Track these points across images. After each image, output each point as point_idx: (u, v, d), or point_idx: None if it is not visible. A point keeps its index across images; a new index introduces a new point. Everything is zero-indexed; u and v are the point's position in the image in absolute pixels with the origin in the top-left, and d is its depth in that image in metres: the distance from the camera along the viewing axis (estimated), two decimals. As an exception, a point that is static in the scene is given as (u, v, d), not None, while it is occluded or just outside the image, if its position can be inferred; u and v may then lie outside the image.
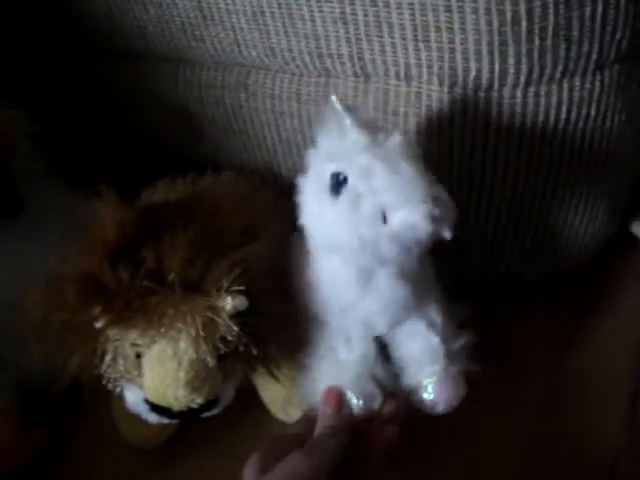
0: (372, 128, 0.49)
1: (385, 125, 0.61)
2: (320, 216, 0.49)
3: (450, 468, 0.59)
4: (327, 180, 0.48)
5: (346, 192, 0.47)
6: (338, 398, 0.54)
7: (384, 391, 0.55)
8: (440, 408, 0.55)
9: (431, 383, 0.55)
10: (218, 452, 0.63)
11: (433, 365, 0.55)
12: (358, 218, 0.46)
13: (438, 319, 0.56)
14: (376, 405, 0.55)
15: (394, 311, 0.54)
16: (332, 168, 0.48)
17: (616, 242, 0.72)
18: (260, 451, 0.50)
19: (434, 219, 0.44)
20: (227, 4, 0.60)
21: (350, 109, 0.49)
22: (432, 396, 0.55)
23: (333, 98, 0.50)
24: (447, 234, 0.46)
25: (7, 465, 0.61)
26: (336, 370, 0.56)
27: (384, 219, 0.45)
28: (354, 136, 0.48)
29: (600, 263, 0.71)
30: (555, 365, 0.65)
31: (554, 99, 0.55)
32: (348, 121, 0.48)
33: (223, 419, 0.60)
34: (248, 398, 0.62)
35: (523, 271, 0.68)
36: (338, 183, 0.47)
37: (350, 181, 0.47)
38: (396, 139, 0.48)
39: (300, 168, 0.67)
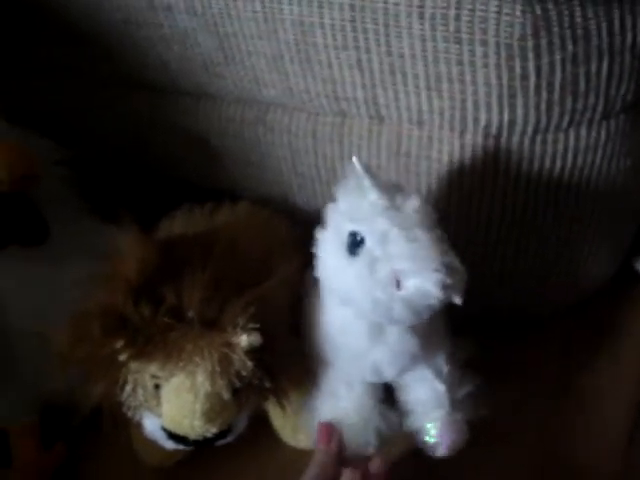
0: (391, 189, 0.51)
1: (399, 179, 0.63)
2: (336, 272, 0.51)
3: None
4: (345, 238, 0.50)
5: (363, 254, 0.48)
6: (329, 433, 0.57)
7: (379, 439, 0.58)
8: (441, 452, 0.58)
9: (434, 427, 0.57)
10: (229, 473, 0.65)
11: (437, 411, 0.57)
12: (373, 281, 0.47)
13: (445, 368, 0.58)
14: (368, 452, 0.57)
15: (403, 361, 0.56)
16: (350, 227, 0.50)
17: (620, 279, 0.73)
18: None
19: (446, 287, 0.46)
20: (247, 46, 0.62)
21: (369, 170, 0.51)
22: (435, 440, 0.57)
23: (354, 159, 0.51)
24: (458, 300, 0.48)
25: (29, 480, 0.64)
26: (334, 416, 0.59)
27: (398, 284, 0.47)
28: (372, 198, 0.49)
29: (603, 300, 0.73)
30: (554, 398, 0.67)
31: (561, 147, 0.57)
32: (367, 182, 0.50)
33: (235, 443, 0.63)
34: (260, 424, 0.64)
35: (527, 305, 0.70)
36: (355, 243, 0.49)
37: (367, 243, 0.48)
38: (414, 203, 0.49)
39: (314, 202, 0.70)
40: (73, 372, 0.58)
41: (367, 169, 0.51)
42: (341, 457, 0.56)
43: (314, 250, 0.53)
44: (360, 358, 0.56)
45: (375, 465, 0.55)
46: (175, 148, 0.75)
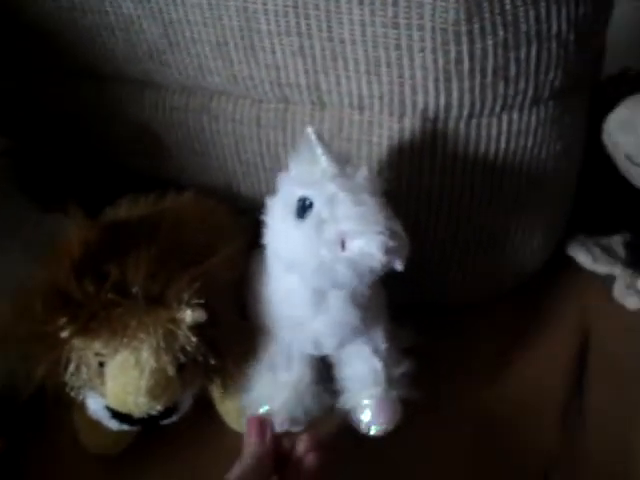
0: (342, 160, 0.53)
1: (350, 155, 0.64)
2: (284, 236, 0.52)
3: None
4: (294, 204, 0.51)
5: (311, 216, 0.50)
6: (259, 426, 0.57)
7: (310, 416, 0.59)
8: (375, 430, 0.59)
9: (369, 405, 0.58)
10: (175, 461, 0.64)
11: (374, 388, 0.59)
12: (319, 241, 0.49)
13: (383, 345, 0.60)
14: (297, 429, 0.59)
15: (343, 333, 0.57)
16: (300, 193, 0.51)
17: (553, 264, 0.76)
18: None
19: (388, 250, 0.48)
20: (192, 33, 0.63)
21: (323, 140, 0.53)
22: (369, 418, 0.59)
23: (309, 129, 0.53)
24: (399, 266, 0.49)
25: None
26: (271, 391, 0.60)
27: (343, 245, 0.48)
28: (324, 165, 0.51)
29: (538, 283, 0.76)
30: (491, 382, 0.69)
31: (494, 131, 0.60)
32: (320, 150, 0.52)
33: (180, 430, 0.62)
34: (205, 410, 0.65)
35: (462, 289, 0.72)
36: (304, 207, 0.50)
37: (315, 207, 0.50)
38: (363, 172, 0.51)
39: (258, 189, 0.71)
40: (12, 362, 0.58)
41: (320, 138, 0.52)
42: (276, 448, 0.56)
43: (263, 218, 0.55)
44: (302, 328, 0.57)
45: (303, 445, 0.56)
46: (120, 137, 0.75)
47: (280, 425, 0.58)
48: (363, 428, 0.59)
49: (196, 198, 0.69)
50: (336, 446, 0.60)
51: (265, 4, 0.58)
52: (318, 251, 0.49)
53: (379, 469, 0.61)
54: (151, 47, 0.66)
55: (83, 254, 0.53)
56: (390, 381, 0.59)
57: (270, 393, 0.60)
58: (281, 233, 0.53)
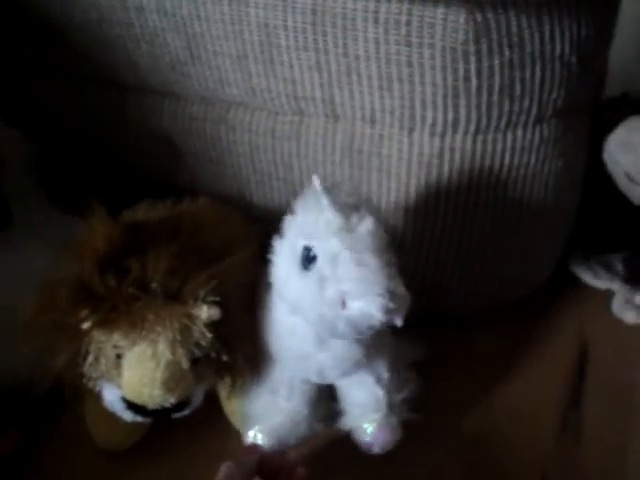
0: (348, 208, 0.52)
1: (352, 174, 0.68)
2: (288, 281, 0.53)
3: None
4: (299, 251, 0.52)
5: (314, 270, 0.50)
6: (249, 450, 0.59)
7: (300, 441, 0.62)
8: (375, 450, 0.62)
9: (371, 428, 0.61)
10: (182, 456, 0.67)
11: (375, 413, 0.61)
12: (321, 298, 0.49)
13: (385, 374, 0.62)
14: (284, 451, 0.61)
15: (346, 366, 0.59)
16: (304, 242, 0.52)
17: (554, 278, 0.79)
18: None
19: (389, 311, 0.48)
20: (214, 46, 0.66)
21: (329, 190, 0.52)
22: (370, 439, 0.61)
23: (315, 178, 0.52)
24: (398, 322, 0.50)
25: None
26: (267, 412, 0.62)
27: (343, 304, 0.49)
28: (328, 217, 0.51)
29: (538, 298, 0.78)
30: (490, 392, 0.71)
31: (499, 146, 0.63)
32: (325, 201, 0.51)
33: (188, 427, 0.65)
34: (211, 409, 0.67)
35: (465, 303, 0.74)
36: (308, 258, 0.51)
37: (319, 261, 0.50)
38: (368, 225, 0.51)
39: (271, 198, 0.74)
40: (31, 356, 0.60)
41: (326, 188, 0.52)
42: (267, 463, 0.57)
43: (269, 256, 0.56)
44: (305, 360, 0.59)
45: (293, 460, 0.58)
46: (139, 145, 0.78)
47: (269, 447, 0.61)
48: (363, 448, 0.62)
49: (211, 204, 0.72)
50: (327, 461, 0.64)
51: (285, 20, 0.61)
52: (320, 308, 0.50)
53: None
54: (173, 59, 0.69)
55: (106, 250, 0.56)
56: (391, 407, 0.62)
57: (266, 414, 0.62)
58: (286, 278, 0.54)
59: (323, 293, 0.49)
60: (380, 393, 0.61)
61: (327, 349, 0.57)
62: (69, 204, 0.67)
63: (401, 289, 0.50)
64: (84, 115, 0.79)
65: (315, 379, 0.61)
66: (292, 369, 0.61)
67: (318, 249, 0.50)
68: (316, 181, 0.52)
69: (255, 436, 0.62)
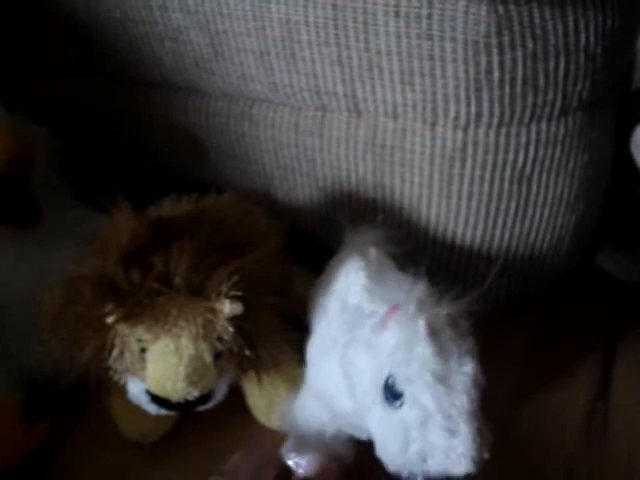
0: (448, 350, 0.48)
1: (375, 168, 0.67)
2: (365, 402, 0.51)
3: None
4: (382, 377, 0.49)
5: (399, 414, 0.48)
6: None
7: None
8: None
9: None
10: (207, 450, 0.67)
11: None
12: (401, 446, 0.47)
13: None
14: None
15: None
16: (390, 370, 0.48)
17: (582, 271, 0.78)
18: None
19: (473, 463, 0.46)
20: (237, 43, 0.66)
21: (437, 334, 0.48)
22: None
23: (422, 324, 0.48)
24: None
25: (10, 456, 0.64)
26: (307, 424, 0.61)
27: (424, 459, 0.47)
28: (428, 365, 0.47)
29: (566, 290, 0.77)
30: (517, 382, 0.71)
31: (523, 139, 0.62)
32: (430, 350, 0.47)
33: (213, 421, 0.66)
34: (237, 404, 0.68)
35: (491, 294, 0.73)
36: (393, 393, 0.48)
37: (405, 408, 0.47)
38: (465, 379, 0.47)
39: (294, 193, 0.74)
40: (59, 350, 0.61)
41: (434, 332, 0.48)
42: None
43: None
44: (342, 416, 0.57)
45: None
46: (163, 141, 0.79)
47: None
48: None
49: (235, 199, 0.72)
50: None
51: (306, 16, 0.61)
52: (399, 452, 0.48)
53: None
54: (197, 56, 0.70)
55: (130, 245, 0.56)
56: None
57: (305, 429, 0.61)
58: (362, 396, 0.51)
59: (406, 449, 0.47)
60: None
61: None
62: (96, 200, 0.68)
63: (485, 441, 0.47)
64: (110, 112, 0.80)
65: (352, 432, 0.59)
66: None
67: (406, 390, 0.48)
68: (423, 327, 0.48)
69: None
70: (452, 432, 0.46)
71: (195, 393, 0.57)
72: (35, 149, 0.69)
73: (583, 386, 0.70)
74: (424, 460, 0.47)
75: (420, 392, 0.47)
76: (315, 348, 0.61)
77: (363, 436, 0.55)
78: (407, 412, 0.47)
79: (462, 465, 0.46)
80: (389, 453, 0.49)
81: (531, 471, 0.64)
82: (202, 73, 0.71)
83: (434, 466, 0.47)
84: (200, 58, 0.70)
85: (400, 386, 0.48)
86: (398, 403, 0.48)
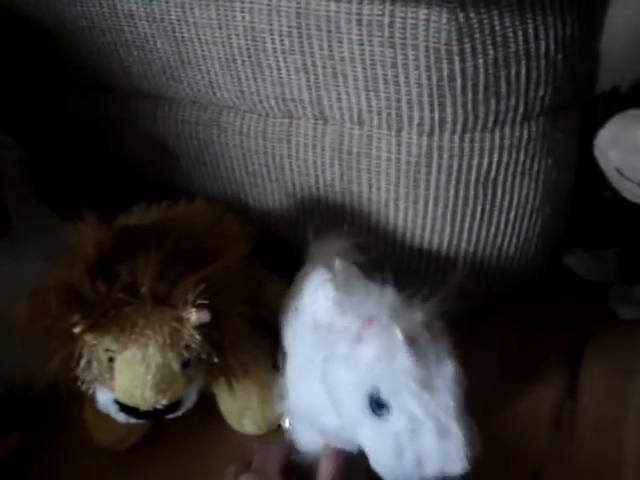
0: (428, 356, 0.49)
1: (342, 175, 0.68)
2: (351, 416, 0.51)
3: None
4: (366, 390, 0.49)
5: (388, 425, 0.48)
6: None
7: None
8: None
9: None
10: (181, 456, 0.68)
11: None
12: (396, 457, 0.48)
13: None
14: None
15: None
16: (373, 383, 0.49)
17: (551, 274, 0.79)
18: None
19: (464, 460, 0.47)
20: (203, 50, 0.67)
21: (414, 341, 0.48)
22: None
23: (397, 331, 0.48)
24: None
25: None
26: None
27: (420, 465, 0.48)
28: (410, 372, 0.47)
29: (533, 292, 0.78)
30: (484, 389, 0.71)
31: (487, 144, 0.63)
32: (409, 360, 0.47)
33: (186, 427, 0.66)
34: (209, 410, 0.68)
35: (459, 296, 0.74)
36: (379, 404, 0.48)
37: (393, 417, 0.48)
38: (448, 379, 0.48)
39: (264, 199, 0.75)
40: (29, 361, 0.61)
41: (409, 339, 0.48)
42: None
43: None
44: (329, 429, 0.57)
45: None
46: (133, 149, 0.79)
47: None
48: None
49: (205, 206, 0.73)
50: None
51: (271, 24, 0.61)
52: (394, 463, 0.48)
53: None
54: (164, 64, 0.70)
55: (96, 256, 0.56)
56: None
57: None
58: (348, 409, 0.51)
59: (400, 457, 0.48)
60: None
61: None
62: (66, 210, 0.68)
63: (475, 436, 0.48)
64: (79, 121, 0.80)
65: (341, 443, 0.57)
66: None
67: (392, 401, 0.48)
68: (399, 334, 0.48)
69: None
70: (443, 434, 0.47)
71: (164, 401, 0.57)
72: (3, 159, 0.69)
73: (551, 387, 0.71)
74: (420, 465, 0.48)
75: (406, 401, 0.47)
76: (293, 371, 0.61)
77: (354, 449, 0.55)
78: (396, 422, 0.48)
79: (457, 464, 0.47)
80: (384, 464, 0.49)
81: (498, 471, 0.65)
82: (170, 81, 0.72)
83: (430, 469, 0.47)
84: (167, 66, 0.70)
85: (385, 397, 0.48)
86: (385, 414, 0.48)
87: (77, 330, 0.54)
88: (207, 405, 0.67)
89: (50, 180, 0.76)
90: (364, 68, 0.60)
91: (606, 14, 0.66)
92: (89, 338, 0.55)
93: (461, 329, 0.73)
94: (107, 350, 0.56)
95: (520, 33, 0.57)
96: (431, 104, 0.60)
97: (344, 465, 0.55)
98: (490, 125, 0.62)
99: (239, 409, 0.67)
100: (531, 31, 0.57)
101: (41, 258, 0.65)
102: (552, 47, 0.58)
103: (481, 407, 0.67)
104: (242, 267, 0.63)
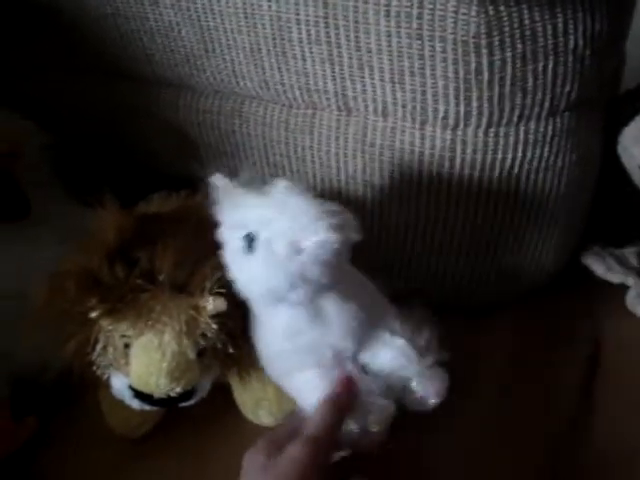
0: (256, 182, 0.55)
1: (365, 167, 0.68)
2: (248, 275, 0.54)
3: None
4: (240, 244, 0.53)
5: (258, 245, 0.52)
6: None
7: None
8: (431, 402, 0.60)
9: (415, 381, 0.59)
10: (193, 447, 0.67)
11: (409, 365, 0.59)
12: (278, 261, 0.51)
13: (396, 324, 0.60)
14: None
15: (353, 332, 0.57)
16: (240, 233, 0.53)
17: (568, 272, 0.78)
18: (264, 440, 0.53)
19: (337, 228, 0.49)
20: (228, 39, 0.66)
21: (230, 181, 0.55)
22: (421, 393, 0.59)
23: (213, 179, 0.56)
24: (355, 236, 0.51)
25: (-1, 450, 0.65)
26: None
27: (299, 251, 0.50)
28: (245, 199, 0.53)
29: (552, 290, 0.77)
30: (503, 381, 0.71)
31: (512, 139, 0.62)
32: (235, 190, 0.54)
33: (200, 417, 0.66)
34: (225, 399, 0.68)
35: (478, 293, 0.74)
36: (250, 241, 0.52)
37: (258, 235, 0.52)
38: (280, 184, 0.53)
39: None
40: (44, 345, 0.61)
41: (226, 181, 0.55)
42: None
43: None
44: (316, 348, 0.57)
45: None
46: (154, 137, 0.79)
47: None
48: (420, 405, 0.60)
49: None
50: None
51: (297, 14, 0.61)
52: (283, 269, 0.51)
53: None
54: (188, 52, 0.70)
55: (116, 241, 0.56)
56: (420, 351, 0.59)
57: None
58: (245, 276, 0.54)
59: (277, 255, 0.50)
60: (400, 342, 0.59)
61: (326, 323, 0.56)
62: (86, 196, 0.68)
63: (337, 206, 0.51)
64: (101, 108, 0.80)
65: (334, 360, 0.58)
66: (308, 363, 0.59)
67: (252, 227, 0.52)
68: (215, 180, 0.56)
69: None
70: (285, 209, 0.51)
71: (178, 389, 0.57)
72: (22, 144, 0.69)
73: (567, 387, 0.70)
74: (298, 251, 0.50)
75: (254, 216, 0.52)
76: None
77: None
78: (260, 236, 0.51)
79: (324, 225, 0.49)
80: (279, 278, 0.51)
81: (510, 472, 0.64)
82: (193, 69, 0.71)
83: (309, 247, 0.50)
84: (191, 54, 0.70)
85: (251, 232, 0.52)
86: (256, 243, 0.52)
87: (94, 314, 0.54)
88: (222, 395, 0.67)
89: (70, 166, 0.76)
90: (390, 60, 0.59)
91: (633, 13, 0.65)
92: (106, 323, 0.55)
93: (474, 328, 0.74)
94: (123, 336, 0.56)
95: (549, 28, 0.56)
96: (457, 97, 0.59)
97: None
98: (515, 119, 0.61)
99: (255, 400, 0.67)
100: (560, 26, 0.56)
101: (59, 243, 0.65)
102: (580, 43, 0.57)
103: (486, 409, 0.68)
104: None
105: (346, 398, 0.55)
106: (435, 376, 0.60)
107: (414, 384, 0.60)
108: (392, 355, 0.59)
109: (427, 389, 0.60)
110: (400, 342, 0.59)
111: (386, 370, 0.60)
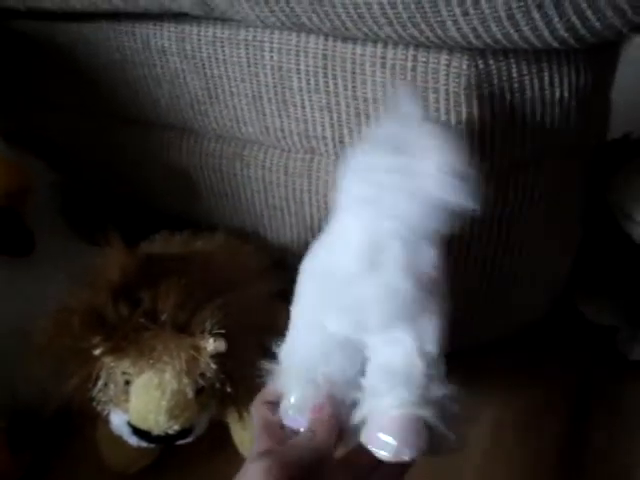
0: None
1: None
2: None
3: None
4: None
5: None
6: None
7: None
8: (389, 453, 0.44)
9: (391, 412, 0.45)
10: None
11: (403, 391, 0.46)
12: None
13: (431, 345, 0.47)
14: None
15: (392, 305, 0.47)
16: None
17: (558, 315, 0.80)
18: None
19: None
20: (231, 87, 0.69)
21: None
22: (384, 432, 0.45)
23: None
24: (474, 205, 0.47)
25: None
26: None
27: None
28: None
29: (542, 330, 0.79)
30: (491, 428, 0.72)
31: (500, 189, 0.65)
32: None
33: (197, 452, 0.67)
34: (221, 436, 0.69)
35: (468, 336, 0.75)
36: None
37: None
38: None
39: (283, 232, 0.76)
40: (45, 380, 0.62)
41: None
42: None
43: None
44: (348, 291, 0.48)
45: None
46: (158, 179, 0.81)
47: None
48: (373, 444, 0.45)
49: (226, 239, 0.75)
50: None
51: (298, 64, 0.64)
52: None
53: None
54: (193, 98, 0.73)
55: (120, 280, 0.58)
56: (425, 391, 0.46)
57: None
58: None
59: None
60: (419, 364, 0.46)
61: (375, 275, 0.47)
62: (90, 234, 0.70)
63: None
64: (107, 149, 0.83)
65: (351, 327, 0.49)
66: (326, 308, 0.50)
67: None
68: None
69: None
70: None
71: (176, 427, 0.58)
72: (31, 182, 0.71)
73: (558, 425, 0.71)
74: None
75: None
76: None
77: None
78: None
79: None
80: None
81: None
82: (197, 115, 0.74)
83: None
84: (195, 100, 0.73)
85: None
86: None
87: (97, 352, 0.56)
88: (218, 433, 0.68)
89: (77, 205, 0.78)
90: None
91: (617, 66, 0.68)
92: (108, 360, 0.57)
93: (469, 365, 0.75)
94: (124, 373, 0.58)
95: (536, 81, 0.58)
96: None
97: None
98: (505, 170, 0.64)
99: (251, 438, 0.68)
100: (546, 79, 0.59)
101: (63, 280, 0.67)
102: (566, 94, 0.60)
103: (480, 449, 0.69)
104: (259, 299, 0.65)
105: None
106: (413, 427, 0.45)
107: (386, 416, 0.46)
108: (397, 365, 0.47)
109: (394, 432, 0.45)
110: (418, 364, 0.46)
111: (376, 372, 0.48)
